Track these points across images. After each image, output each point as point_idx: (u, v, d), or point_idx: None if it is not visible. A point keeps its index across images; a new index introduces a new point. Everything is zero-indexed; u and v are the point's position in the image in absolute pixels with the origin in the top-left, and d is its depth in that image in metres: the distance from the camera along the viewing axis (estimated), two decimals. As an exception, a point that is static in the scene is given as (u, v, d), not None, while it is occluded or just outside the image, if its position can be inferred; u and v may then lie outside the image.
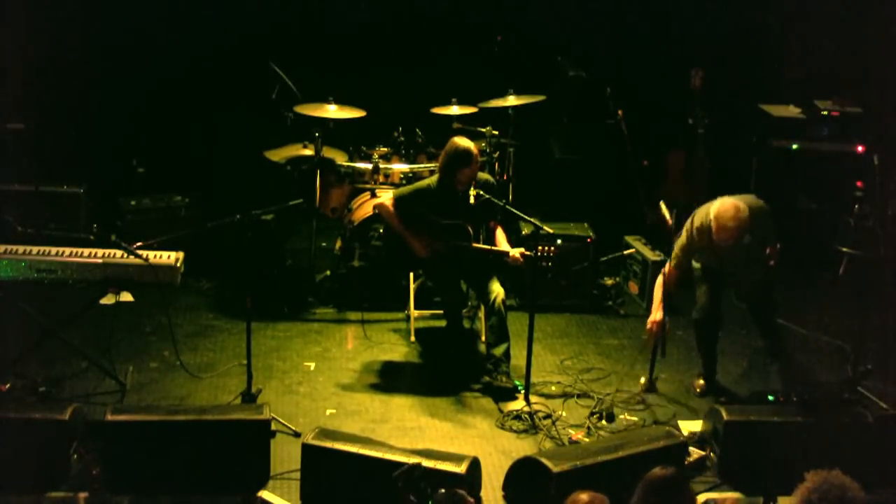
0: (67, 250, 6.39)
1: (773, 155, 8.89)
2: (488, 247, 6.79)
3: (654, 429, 5.99)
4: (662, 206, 6.93)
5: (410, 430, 6.26)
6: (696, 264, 6.71)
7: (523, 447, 6.06)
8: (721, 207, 6.24)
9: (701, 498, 5.47)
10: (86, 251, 6.39)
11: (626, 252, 8.33)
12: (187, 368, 6.73)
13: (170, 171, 8.76)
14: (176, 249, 6.52)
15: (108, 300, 6.64)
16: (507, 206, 6.80)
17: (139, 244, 6.35)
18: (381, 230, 7.26)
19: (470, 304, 7.51)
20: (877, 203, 7.96)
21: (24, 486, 5.27)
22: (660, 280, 6.61)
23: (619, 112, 8.54)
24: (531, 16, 9.67)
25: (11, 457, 5.20)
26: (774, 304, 6.93)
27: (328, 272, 8.07)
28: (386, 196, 6.96)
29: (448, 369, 7.04)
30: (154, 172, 8.75)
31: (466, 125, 8.14)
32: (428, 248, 6.80)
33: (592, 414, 6.39)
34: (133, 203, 8.30)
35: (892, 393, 6.67)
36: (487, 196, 6.64)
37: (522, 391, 6.56)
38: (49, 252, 6.36)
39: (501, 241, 6.84)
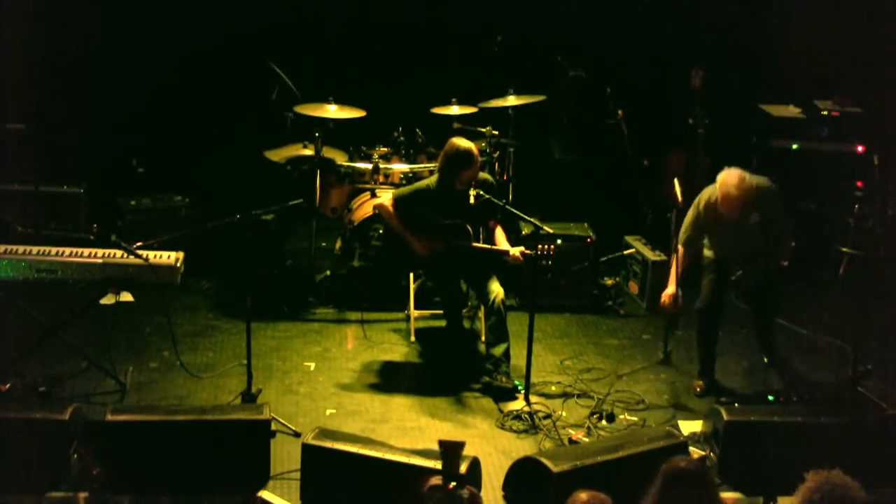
0: (67, 250, 6.40)
1: (773, 155, 8.86)
2: (488, 246, 6.79)
3: (654, 429, 6.00)
4: (676, 183, 7.01)
5: (410, 430, 6.27)
6: (707, 252, 6.73)
7: (523, 447, 6.06)
8: (727, 174, 6.38)
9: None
10: (86, 251, 6.41)
11: (626, 252, 8.33)
12: (187, 368, 6.73)
13: (170, 171, 8.76)
14: (176, 249, 6.53)
15: (108, 300, 6.64)
16: (507, 206, 6.81)
17: (139, 244, 6.36)
18: (381, 230, 7.25)
19: (470, 303, 7.51)
20: (877, 203, 7.97)
21: (24, 486, 5.25)
22: (675, 256, 6.67)
23: (619, 112, 8.56)
24: (531, 16, 9.66)
25: (11, 457, 5.18)
26: (774, 308, 6.94)
27: (328, 272, 8.07)
28: (386, 196, 6.96)
29: (448, 369, 7.04)
30: (154, 172, 8.76)
31: (466, 125, 8.14)
32: (428, 248, 6.80)
33: (592, 414, 6.40)
34: (133, 203, 8.29)
35: (892, 393, 6.67)
36: (487, 196, 6.64)
37: (522, 391, 6.56)
38: (49, 252, 6.37)
39: (501, 241, 6.83)
